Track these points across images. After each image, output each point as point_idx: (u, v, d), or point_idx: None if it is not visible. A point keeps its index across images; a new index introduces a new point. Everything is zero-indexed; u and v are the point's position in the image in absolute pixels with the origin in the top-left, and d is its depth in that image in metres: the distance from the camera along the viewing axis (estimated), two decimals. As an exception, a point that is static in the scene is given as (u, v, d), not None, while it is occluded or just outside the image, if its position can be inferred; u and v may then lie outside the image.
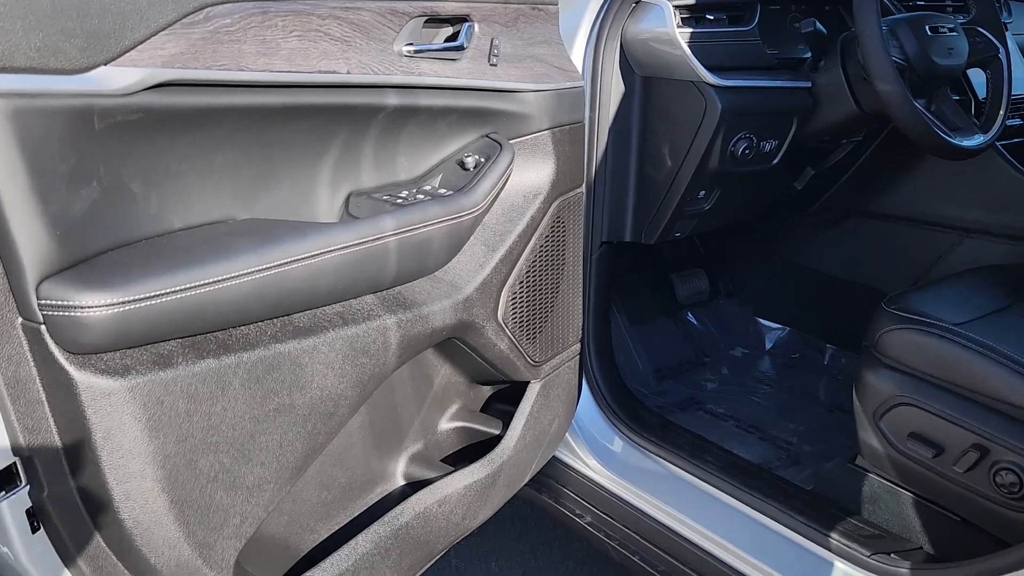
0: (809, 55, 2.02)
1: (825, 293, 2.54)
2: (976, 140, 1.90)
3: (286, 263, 1.07)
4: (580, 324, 1.83)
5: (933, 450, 1.61)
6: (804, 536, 1.71)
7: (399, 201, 1.30)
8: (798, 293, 2.61)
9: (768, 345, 2.64)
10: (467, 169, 1.45)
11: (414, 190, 1.39)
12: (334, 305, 1.23)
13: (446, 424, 1.65)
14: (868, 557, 1.60)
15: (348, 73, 1.18)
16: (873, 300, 2.45)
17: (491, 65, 1.47)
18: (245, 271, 1.03)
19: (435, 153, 1.46)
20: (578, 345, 1.84)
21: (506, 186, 1.53)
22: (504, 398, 1.78)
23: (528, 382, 1.69)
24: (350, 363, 1.22)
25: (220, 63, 1.02)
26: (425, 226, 1.28)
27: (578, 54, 1.94)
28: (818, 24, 1.90)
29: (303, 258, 1.09)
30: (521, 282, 1.58)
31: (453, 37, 1.43)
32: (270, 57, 1.08)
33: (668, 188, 2.01)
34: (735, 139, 1.95)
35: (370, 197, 1.31)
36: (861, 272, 2.46)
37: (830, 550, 1.65)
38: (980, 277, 1.95)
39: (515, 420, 1.65)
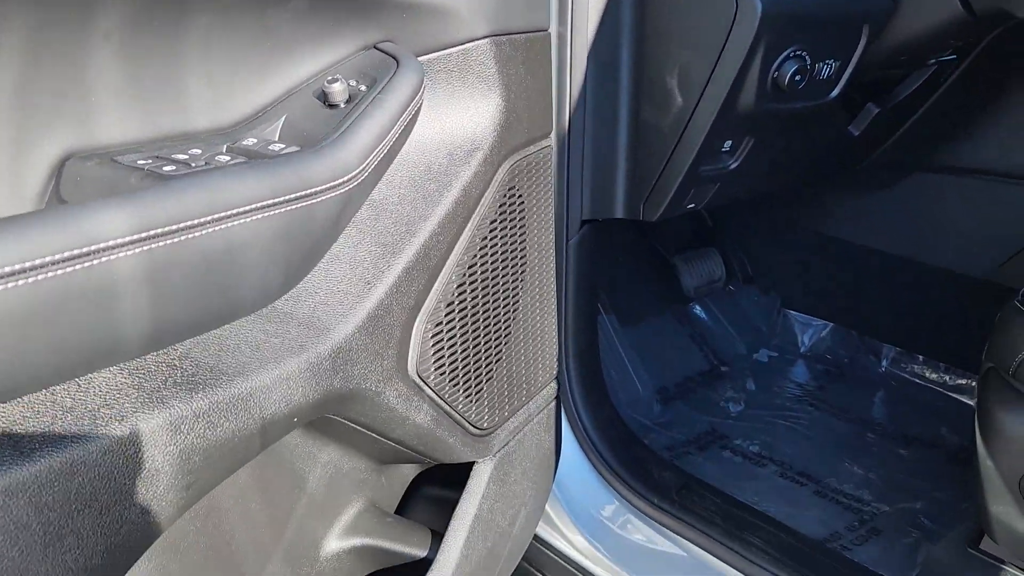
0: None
1: (881, 276, 1.90)
2: None
3: None
4: (555, 353, 1.17)
5: None
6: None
7: (167, 170, 0.63)
8: (842, 277, 1.97)
9: (804, 345, 2.00)
10: (334, 105, 0.77)
11: (222, 147, 0.71)
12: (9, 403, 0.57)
13: (337, 544, 0.99)
14: None
15: None
16: (952, 286, 1.82)
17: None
18: None
19: (270, 77, 0.78)
20: (553, 385, 1.19)
21: (415, 137, 0.86)
22: (439, 483, 1.13)
23: (472, 463, 1.04)
24: (56, 526, 0.55)
25: None
26: (220, 220, 0.60)
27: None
28: None
29: None
30: (450, 304, 0.91)
31: None
32: None
33: (678, 139, 1.35)
34: (780, 60, 1.28)
35: (112, 161, 0.64)
36: (932, 248, 1.82)
37: None
38: None
39: (450, 533, 0.99)
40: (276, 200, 0.64)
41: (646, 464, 1.48)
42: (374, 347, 0.80)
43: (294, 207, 0.66)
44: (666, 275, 1.94)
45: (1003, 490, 1.10)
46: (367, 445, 0.93)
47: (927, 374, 1.83)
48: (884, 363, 1.88)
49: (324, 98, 0.78)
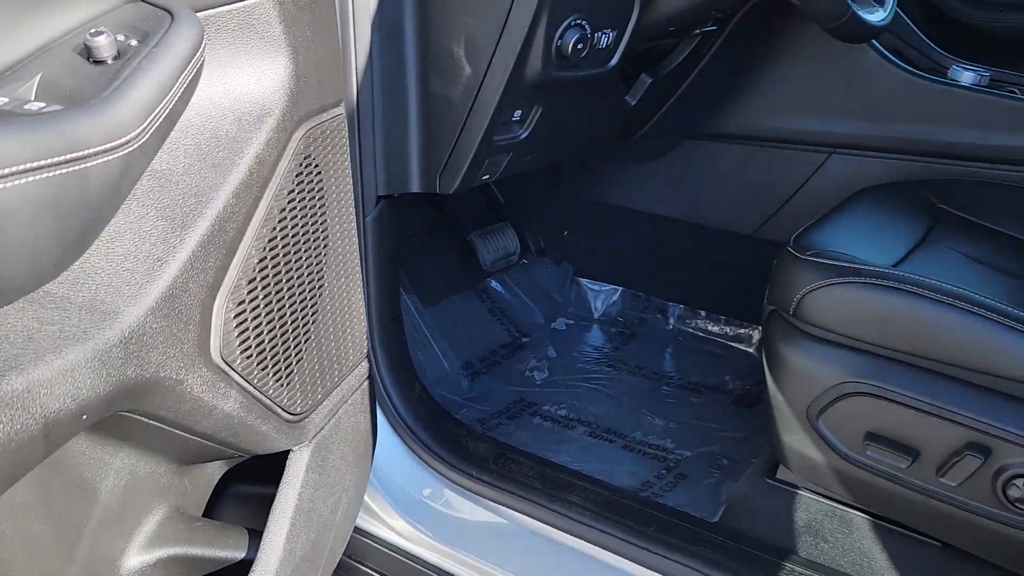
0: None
1: (663, 240, 2.01)
2: (878, 15, 1.41)
3: None
4: (364, 331, 1.13)
5: (906, 456, 1.11)
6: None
7: None
8: (628, 243, 2.07)
9: (597, 311, 2.08)
10: (100, 61, 0.68)
11: (-35, 107, 0.61)
12: None
13: (140, 558, 0.89)
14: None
15: None
16: (726, 244, 1.96)
17: None
18: None
19: (18, 30, 0.68)
20: (365, 364, 1.14)
21: (197, 102, 0.79)
22: (249, 479, 1.05)
23: (287, 451, 0.97)
24: None
25: None
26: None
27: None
28: None
29: None
30: (252, 281, 0.84)
31: None
32: None
33: (470, 109, 1.34)
34: (563, 28, 1.31)
35: None
36: (706, 210, 1.95)
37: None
38: (879, 202, 1.49)
39: (270, 528, 0.92)
40: (40, 164, 0.56)
41: (460, 439, 1.47)
42: (171, 330, 0.72)
43: (64, 172, 0.58)
44: (464, 252, 1.94)
45: (794, 421, 1.20)
46: (167, 444, 0.85)
47: (709, 327, 1.96)
48: (671, 321, 2.00)
49: (88, 53, 0.68)
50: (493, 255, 1.93)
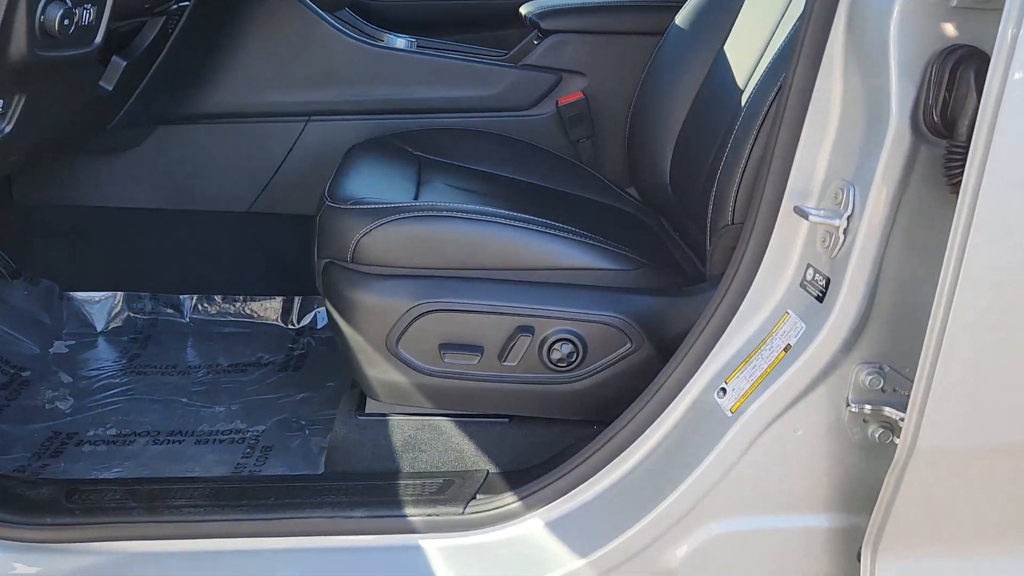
0: None
1: (156, 233, 1.92)
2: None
3: None
4: None
5: (475, 353, 1.31)
6: (368, 533, 1.24)
7: None
8: (117, 244, 1.92)
9: (101, 324, 1.90)
10: None
11: None
12: None
13: None
14: (461, 515, 1.25)
15: None
16: (220, 224, 1.94)
17: None
18: None
19: None
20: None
21: None
22: None
23: None
24: None
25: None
26: None
27: None
28: None
29: None
30: None
31: None
32: None
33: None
34: (44, 3, 1.17)
35: None
36: (193, 194, 1.91)
37: (415, 531, 1.24)
38: (372, 156, 1.67)
39: None
40: None
41: (10, 490, 1.26)
42: None
43: None
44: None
45: (374, 354, 1.31)
46: None
47: (229, 309, 1.95)
48: (187, 313, 1.93)
49: None
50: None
